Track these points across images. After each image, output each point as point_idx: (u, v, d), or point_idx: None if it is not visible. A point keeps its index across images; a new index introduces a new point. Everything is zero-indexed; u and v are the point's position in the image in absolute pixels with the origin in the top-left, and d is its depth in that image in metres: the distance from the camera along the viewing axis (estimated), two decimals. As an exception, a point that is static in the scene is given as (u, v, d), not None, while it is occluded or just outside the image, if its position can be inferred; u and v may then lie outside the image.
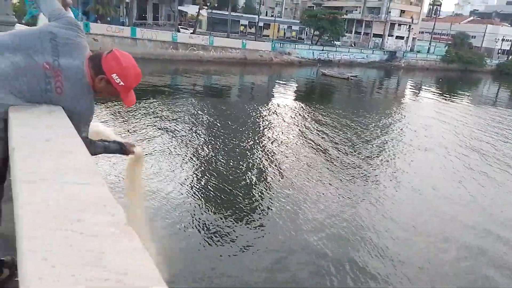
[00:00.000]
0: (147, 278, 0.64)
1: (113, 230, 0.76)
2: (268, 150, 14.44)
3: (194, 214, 9.05)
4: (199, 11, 47.74)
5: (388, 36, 63.75)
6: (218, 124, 17.44)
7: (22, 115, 1.46)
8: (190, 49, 37.74)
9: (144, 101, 19.36)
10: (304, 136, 16.67)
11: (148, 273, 0.65)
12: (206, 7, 50.90)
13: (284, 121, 19.38)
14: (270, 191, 10.93)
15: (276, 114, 20.89)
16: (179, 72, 33.91)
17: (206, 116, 18.86)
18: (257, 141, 15.62)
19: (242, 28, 59.71)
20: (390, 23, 63.00)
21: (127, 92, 1.71)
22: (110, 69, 1.59)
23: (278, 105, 23.32)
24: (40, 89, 1.50)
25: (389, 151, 15.98)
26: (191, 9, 53.11)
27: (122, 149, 2.04)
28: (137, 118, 16.16)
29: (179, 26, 46.80)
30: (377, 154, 15.43)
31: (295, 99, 27.58)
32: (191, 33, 42.67)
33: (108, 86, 1.62)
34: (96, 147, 1.83)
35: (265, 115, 20.49)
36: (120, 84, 1.62)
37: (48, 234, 0.72)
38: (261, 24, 56.76)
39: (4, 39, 1.52)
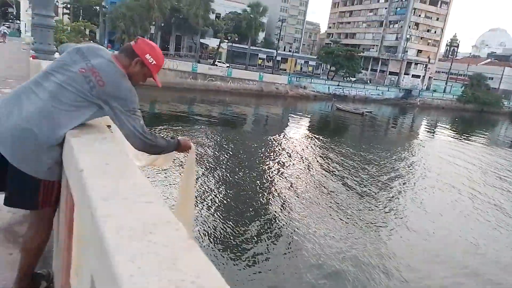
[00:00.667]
0: (214, 281, 0.78)
1: (180, 242, 0.91)
2: (279, 180, 14.49)
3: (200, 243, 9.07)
4: (219, 44, 49.49)
5: (404, 74, 64.44)
6: (231, 152, 17.67)
7: (81, 141, 1.65)
8: (208, 79, 38.86)
9: (163, 126, 19.84)
10: (317, 168, 16.70)
11: (213, 277, 0.79)
12: (226, 41, 52.71)
13: (297, 152, 19.51)
14: (282, 220, 10.90)
15: (290, 145, 21.07)
16: (197, 100, 34.76)
17: (220, 143, 19.16)
18: (269, 170, 15.72)
19: (260, 61, 61.35)
20: (407, 62, 63.82)
21: (157, 71, 1.94)
22: (143, 51, 1.83)
23: (292, 136, 23.55)
24: (87, 90, 1.72)
25: (400, 188, 15.83)
26: (212, 42, 55.07)
27: (179, 145, 2.08)
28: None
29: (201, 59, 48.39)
30: (388, 191, 15.29)
31: (309, 131, 27.81)
32: (211, 64, 44.03)
33: (143, 68, 1.86)
34: (158, 138, 1.88)
35: (279, 146, 20.69)
36: (152, 63, 1.86)
37: (130, 242, 0.88)
38: (278, 58, 58.28)
39: (47, 69, 1.80)
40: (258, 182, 14.11)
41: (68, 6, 45.44)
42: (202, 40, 53.01)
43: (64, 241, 1.98)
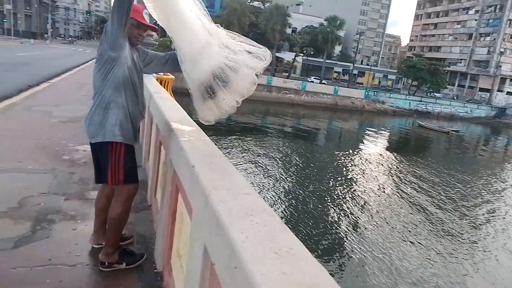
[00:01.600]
0: (302, 252, 1.01)
1: (275, 224, 1.16)
2: (350, 197, 14.19)
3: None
4: (295, 58, 50.13)
5: (498, 91, 58.52)
6: (302, 165, 17.75)
7: (189, 143, 2.01)
8: (282, 92, 39.53)
9: (236, 136, 20.71)
10: (393, 188, 15.99)
11: (301, 249, 1.02)
12: (302, 54, 53.22)
13: (372, 170, 18.87)
14: (352, 240, 10.68)
15: (364, 162, 20.46)
16: (270, 113, 35.53)
17: (291, 155, 19.35)
18: (340, 186, 15.47)
19: (335, 75, 60.65)
20: (500, 77, 57.97)
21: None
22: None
23: (367, 153, 22.84)
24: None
25: (489, 217, 14.40)
26: (287, 56, 56.02)
27: None
28: (228, 150, 17.37)
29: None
30: (475, 218, 14.02)
31: (386, 149, 26.68)
32: (286, 77, 44.78)
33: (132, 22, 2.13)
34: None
35: (352, 162, 20.23)
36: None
37: (237, 220, 1.15)
38: (355, 71, 57.05)
39: None
40: (328, 197, 13.99)
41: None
42: (277, 54, 54.23)
43: (167, 227, 2.38)
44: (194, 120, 2.70)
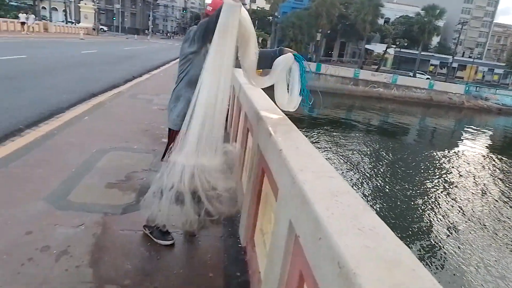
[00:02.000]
0: (386, 232, 1.04)
1: (359, 205, 1.20)
2: (444, 200, 13.08)
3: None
4: (386, 49, 47.38)
5: None
6: (389, 163, 16.84)
7: (277, 128, 2.13)
8: (370, 86, 37.75)
9: (319, 130, 20.48)
10: (497, 194, 14.33)
11: (385, 229, 1.05)
12: (394, 46, 50.07)
13: (470, 173, 17.10)
14: (447, 246, 9.90)
15: (461, 163, 18.64)
16: (356, 107, 34.25)
17: (377, 152, 18.48)
18: (432, 187, 14.35)
19: (431, 68, 55.90)
20: None
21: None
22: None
23: (465, 154, 20.74)
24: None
25: None
26: (378, 48, 53.19)
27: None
28: (311, 141, 17.26)
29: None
30: None
31: (489, 150, 23.89)
32: (374, 70, 42.66)
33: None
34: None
35: (446, 162, 18.57)
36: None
37: (323, 199, 1.22)
38: (455, 65, 51.86)
39: None
40: (419, 198, 13.10)
41: (247, 18, 51.21)
42: (367, 46, 51.83)
43: (252, 207, 2.54)
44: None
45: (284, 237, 1.46)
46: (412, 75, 45.11)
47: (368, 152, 18.23)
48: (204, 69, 2.12)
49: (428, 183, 14.83)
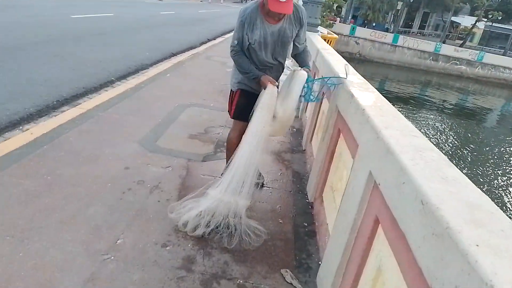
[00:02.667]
0: (467, 181, 1.12)
1: (443, 161, 1.28)
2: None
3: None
4: (475, 23, 42.77)
5: None
6: (463, 147, 15.74)
7: (355, 89, 2.20)
8: (451, 62, 34.68)
9: (391, 103, 19.56)
10: None
11: (466, 179, 1.13)
12: (485, 19, 44.91)
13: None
14: None
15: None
16: (432, 84, 31.89)
17: (450, 134, 17.31)
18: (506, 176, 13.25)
19: (528, 46, 49.47)
20: None
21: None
22: None
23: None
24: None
25: None
26: (465, 21, 48.11)
27: (258, 77, 2.51)
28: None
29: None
30: None
31: None
32: (458, 46, 38.94)
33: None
34: (239, 58, 2.56)
35: (530, 153, 16.86)
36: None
37: (409, 152, 1.32)
38: (557, 43, 45.33)
39: None
40: (500, 189, 12.23)
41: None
42: (453, 18, 47.11)
43: (324, 166, 2.68)
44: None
45: (361, 186, 1.59)
46: (502, 54, 40.49)
47: (436, 133, 17.16)
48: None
49: (503, 171, 13.70)
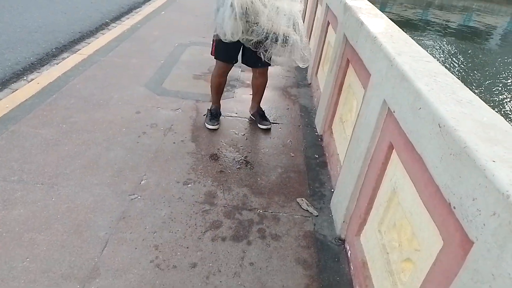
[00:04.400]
0: (481, 103, 1.17)
1: (456, 84, 1.32)
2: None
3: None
4: None
5: None
6: (465, 69, 15.51)
7: (369, 19, 2.16)
8: (456, -21, 32.67)
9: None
10: None
11: (480, 102, 1.18)
12: None
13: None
14: None
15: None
16: (435, 5, 30.39)
17: (454, 56, 16.94)
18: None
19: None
20: None
21: None
22: None
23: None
24: None
25: None
26: None
27: None
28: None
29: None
30: None
31: None
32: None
33: None
34: None
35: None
36: None
37: (424, 78, 1.34)
38: None
39: None
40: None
41: None
42: None
43: (332, 98, 2.71)
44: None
45: (375, 115, 1.64)
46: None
47: (442, 58, 16.77)
48: None
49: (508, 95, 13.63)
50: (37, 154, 2.42)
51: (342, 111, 2.56)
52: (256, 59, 2.54)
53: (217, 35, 2.58)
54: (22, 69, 3.69)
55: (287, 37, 2.37)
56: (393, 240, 1.51)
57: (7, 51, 4.05)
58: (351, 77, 2.39)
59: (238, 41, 2.53)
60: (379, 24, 2.08)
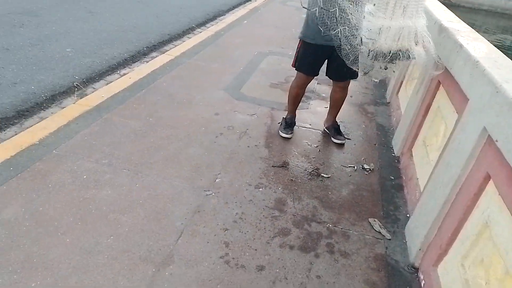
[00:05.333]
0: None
1: None
2: None
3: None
4: None
5: None
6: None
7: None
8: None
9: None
10: None
11: None
12: None
13: None
14: None
15: None
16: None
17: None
18: None
19: None
20: None
21: None
22: None
23: None
24: None
25: None
26: None
27: None
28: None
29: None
30: None
31: None
32: None
33: None
34: None
35: None
36: None
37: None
38: None
39: None
40: None
41: None
42: None
43: (415, 119, 2.61)
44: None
45: (471, 142, 1.54)
46: None
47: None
48: None
49: None
50: (125, 142, 2.64)
51: (426, 134, 2.45)
52: (343, 72, 2.51)
53: (301, 44, 2.62)
54: (116, 64, 4.06)
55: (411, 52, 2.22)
56: (479, 277, 1.41)
57: (106, 46, 4.48)
58: (441, 100, 2.28)
59: (324, 54, 2.55)
60: (480, 48, 1.96)
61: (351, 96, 3.79)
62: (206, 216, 2.08)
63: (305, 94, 3.76)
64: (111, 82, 3.60)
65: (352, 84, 4.02)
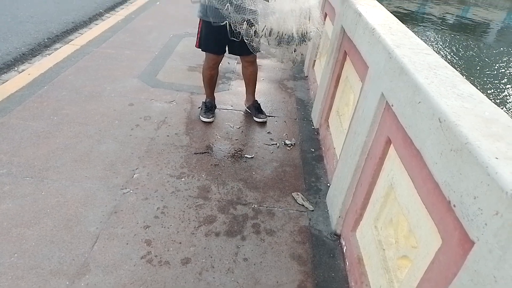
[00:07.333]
0: (482, 97, 1.13)
1: (457, 77, 1.28)
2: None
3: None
4: None
5: None
6: (469, 63, 15.49)
7: (366, 9, 2.10)
8: (455, -27, 32.49)
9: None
10: None
11: (481, 95, 1.14)
12: None
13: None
14: None
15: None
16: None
17: (452, 50, 16.91)
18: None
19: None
20: None
21: None
22: None
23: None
24: None
25: None
26: None
27: None
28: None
29: None
30: None
31: None
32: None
33: None
34: None
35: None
36: None
37: (423, 71, 1.30)
38: None
39: None
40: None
41: None
42: None
43: (329, 91, 2.67)
44: None
45: (372, 109, 1.60)
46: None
47: (440, 51, 16.72)
48: None
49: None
50: (26, 147, 2.37)
51: (339, 104, 2.52)
52: (245, 46, 2.40)
53: (201, 23, 2.53)
54: (12, 60, 3.61)
55: (309, 33, 2.27)
56: (390, 236, 1.48)
57: (-2, 41, 3.96)
58: (349, 70, 2.34)
59: (226, 31, 2.44)
60: (377, 16, 2.02)
61: (271, 73, 3.79)
62: (124, 216, 1.95)
63: (225, 75, 3.70)
64: (7, 81, 3.20)
65: (272, 61, 4.03)
